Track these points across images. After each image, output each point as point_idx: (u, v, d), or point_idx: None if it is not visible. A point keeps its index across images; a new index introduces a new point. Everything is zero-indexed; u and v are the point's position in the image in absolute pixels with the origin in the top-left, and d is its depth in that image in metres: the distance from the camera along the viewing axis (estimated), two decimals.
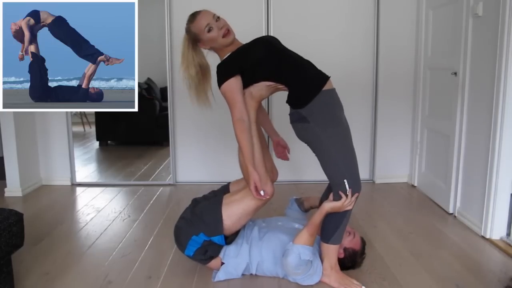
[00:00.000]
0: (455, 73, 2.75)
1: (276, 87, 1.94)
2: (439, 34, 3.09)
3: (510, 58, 2.26)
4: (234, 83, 1.86)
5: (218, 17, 1.91)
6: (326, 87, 1.88)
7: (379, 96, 3.56)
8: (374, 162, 3.66)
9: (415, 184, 3.53)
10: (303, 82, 1.89)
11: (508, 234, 2.44)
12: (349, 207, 1.86)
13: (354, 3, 3.48)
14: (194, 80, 1.94)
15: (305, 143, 1.95)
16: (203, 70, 1.97)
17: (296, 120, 1.92)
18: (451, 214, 2.88)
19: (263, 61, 1.89)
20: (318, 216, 1.86)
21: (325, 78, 1.90)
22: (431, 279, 2.01)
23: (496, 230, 2.45)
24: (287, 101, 1.94)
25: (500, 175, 2.39)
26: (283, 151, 2.31)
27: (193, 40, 1.93)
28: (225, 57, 1.94)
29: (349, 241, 2.02)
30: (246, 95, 1.91)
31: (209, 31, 1.88)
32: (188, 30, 1.94)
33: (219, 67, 1.92)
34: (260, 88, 1.93)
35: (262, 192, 1.82)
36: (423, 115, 3.38)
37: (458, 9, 2.73)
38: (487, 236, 2.47)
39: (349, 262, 2.05)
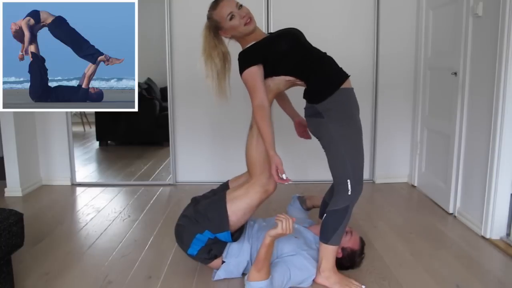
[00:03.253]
0: (455, 73, 2.75)
1: (294, 82, 1.94)
2: (439, 34, 3.09)
3: (510, 58, 2.26)
4: (256, 70, 1.85)
5: (241, 5, 1.89)
6: (344, 85, 1.88)
7: (379, 95, 3.56)
8: (374, 162, 3.66)
9: (415, 184, 3.53)
10: (322, 78, 1.89)
11: (508, 234, 2.44)
12: (289, 231, 1.75)
13: (354, 3, 3.48)
14: (216, 67, 1.91)
15: (317, 138, 1.96)
16: (224, 58, 1.95)
17: (310, 115, 1.92)
18: (451, 214, 2.88)
19: (288, 55, 1.89)
20: (263, 249, 1.76)
21: (344, 76, 1.91)
22: (431, 279, 2.01)
23: (496, 230, 2.45)
24: (304, 96, 1.94)
25: (500, 175, 2.39)
26: (304, 130, 2.27)
27: (215, 27, 1.91)
28: (248, 45, 1.92)
29: (347, 241, 2.02)
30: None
31: (231, 19, 1.86)
32: (209, 17, 1.91)
33: (241, 54, 1.91)
34: (278, 81, 1.93)
35: (284, 176, 1.79)
36: (423, 115, 3.38)
37: (458, 9, 2.73)
38: (487, 236, 2.46)
39: (348, 262, 2.04)
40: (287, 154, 3.28)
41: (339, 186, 1.89)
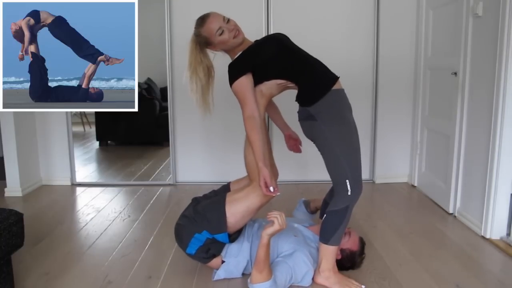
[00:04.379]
0: (455, 73, 2.75)
1: (286, 85, 1.95)
2: (439, 34, 3.09)
3: (510, 58, 2.26)
4: (245, 81, 1.87)
5: (228, 19, 1.90)
6: (335, 87, 1.89)
7: (379, 96, 3.56)
8: (374, 162, 3.66)
9: (415, 184, 3.53)
10: (312, 80, 1.90)
11: (508, 234, 2.44)
12: (285, 226, 1.78)
13: (355, 3, 3.48)
14: (201, 81, 1.93)
15: (311, 140, 1.97)
16: (209, 72, 1.97)
17: (303, 118, 1.93)
18: (451, 214, 2.88)
19: (274, 59, 1.90)
20: (262, 250, 1.77)
21: (334, 78, 1.91)
22: (431, 279, 2.01)
23: (496, 230, 2.45)
24: (296, 99, 1.95)
25: (500, 175, 2.39)
26: (295, 144, 2.31)
27: (203, 43, 1.92)
28: (236, 56, 1.94)
29: (346, 242, 2.02)
30: (256, 93, 1.92)
31: (220, 34, 1.88)
32: (198, 34, 1.92)
33: (230, 66, 1.92)
34: (270, 86, 1.95)
35: (271, 189, 1.81)
36: (423, 115, 3.38)
37: (458, 9, 2.73)
38: (487, 236, 2.47)
39: (348, 263, 2.04)
40: (288, 154, 3.29)
41: (338, 187, 1.89)
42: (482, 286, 1.96)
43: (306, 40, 3.36)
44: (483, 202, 2.50)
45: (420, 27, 3.34)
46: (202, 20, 1.91)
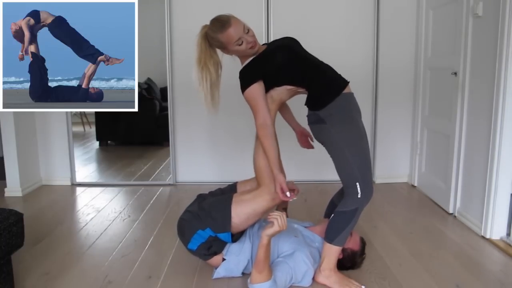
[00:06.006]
0: (455, 73, 2.75)
1: (296, 90, 1.97)
2: (439, 34, 3.10)
3: (510, 58, 2.26)
4: (257, 88, 1.87)
5: (248, 29, 1.87)
6: (344, 91, 1.90)
7: (379, 96, 3.56)
8: (374, 162, 3.66)
9: (415, 184, 3.53)
10: (323, 85, 1.90)
11: (508, 234, 2.44)
12: (285, 227, 1.77)
13: (354, 3, 3.48)
14: (212, 77, 1.90)
15: (321, 144, 1.97)
16: (218, 68, 1.95)
17: (313, 122, 1.94)
18: (451, 214, 2.88)
19: (285, 67, 1.90)
20: (261, 250, 1.77)
21: (344, 82, 1.92)
22: (431, 279, 2.01)
23: (496, 230, 2.45)
24: (306, 103, 1.96)
25: (500, 175, 2.39)
26: (306, 140, 2.29)
27: (216, 45, 1.89)
28: (247, 62, 1.93)
29: (347, 242, 2.02)
30: (267, 98, 1.93)
31: (239, 45, 1.85)
32: (214, 38, 1.86)
33: (242, 72, 1.92)
34: (280, 91, 1.96)
35: (288, 194, 1.81)
36: (423, 115, 3.38)
37: (458, 9, 2.73)
38: (487, 236, 2.47)
39: (349, 263, 2.05)
40: (288, 154, 3.29)
41: (348, 189, 1.90)
42: (482, 286, 1.96)
43: (305, 39, 3.35)
44: (483, 202, 2.50)
45: (420, 27, 3.34)
46: (222, 26, 1.83)
